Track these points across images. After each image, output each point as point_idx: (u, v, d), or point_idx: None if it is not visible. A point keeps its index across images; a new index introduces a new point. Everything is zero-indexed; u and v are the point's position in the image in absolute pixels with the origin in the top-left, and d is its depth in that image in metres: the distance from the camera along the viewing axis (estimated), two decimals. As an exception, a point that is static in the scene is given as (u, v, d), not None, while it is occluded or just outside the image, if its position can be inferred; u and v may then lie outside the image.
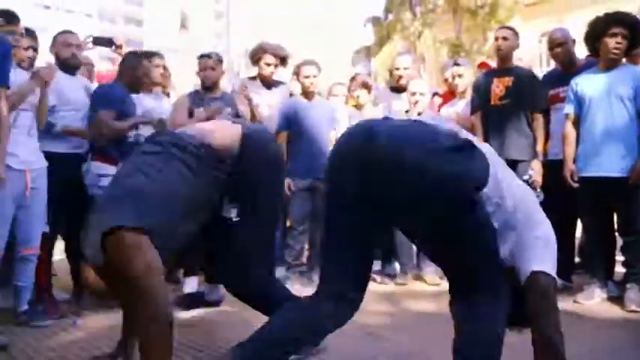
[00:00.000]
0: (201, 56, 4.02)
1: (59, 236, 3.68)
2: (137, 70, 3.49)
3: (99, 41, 3.74)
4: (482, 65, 4.72)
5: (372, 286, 4.09)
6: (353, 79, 4.61)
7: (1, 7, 3.06)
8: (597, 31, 3.37)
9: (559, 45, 3.84)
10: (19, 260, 3.00)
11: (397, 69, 4.60)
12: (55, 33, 3.54)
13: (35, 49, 3.36)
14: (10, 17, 2.98)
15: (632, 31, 3.31)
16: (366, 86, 4.52)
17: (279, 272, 4.23)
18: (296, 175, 4.11)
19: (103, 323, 3.09)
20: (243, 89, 4.14)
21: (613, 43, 3.31)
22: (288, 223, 4.40)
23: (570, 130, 3.53)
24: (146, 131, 3.45)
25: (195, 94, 3.96)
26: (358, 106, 4.48)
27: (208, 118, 3.45)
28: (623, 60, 3.44)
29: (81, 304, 3.49)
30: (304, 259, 4.39)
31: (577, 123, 3.50)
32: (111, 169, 3.26)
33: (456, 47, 17.54)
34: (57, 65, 3.37)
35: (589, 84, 3.42)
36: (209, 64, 3.93)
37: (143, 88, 3.65)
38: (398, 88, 4.65)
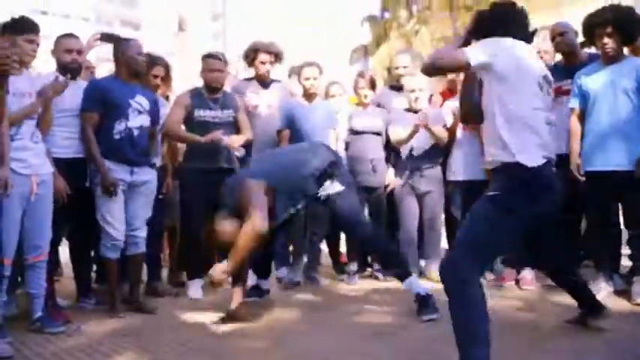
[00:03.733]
0: (210, 56, 3.94)
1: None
2: (129, 51, 3.43)
3: (106, 37, 3.68)
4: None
5: (375, 284, 4.13)
6: (361, 75, 4.54)
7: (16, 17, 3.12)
8: (589, 32, 3.37)
9: (560, 35, 3.80)
10: (29, 268, 2.98)
11: (397, 68, 4.57)
12: (55, 37, 3.51)
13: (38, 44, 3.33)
14: (33, 26, 3.05)
15: (622, 26, 3.27)
16: (373, 85, 4.46)
17: (282, 272, 4.21)
18: None
19: (107, 328, 3.06)
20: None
21: (600, 44, 3.31)
22: None
23: (576, 125, 3.51)
24: (136, 123, 3.40)
25: (197, 94, 3.92)
26: (363, 105, 4.42)
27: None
28: (626, 52, 3.41)
29: (84, 309, 3.47)
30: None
31: (582, 117, 3.48)
32: (106, 164, 3.28)
33: (453, 44, 17.46)
34: (58, 70, 3.34)
35: (593, 78, 3.39)
36: (218, 66, 3.88)
37: (142, 69, 3.53)
38: (398, 87, 4.62)
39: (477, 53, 2.26)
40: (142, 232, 3.49)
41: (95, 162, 3.30)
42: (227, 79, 4.17)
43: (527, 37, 2.45)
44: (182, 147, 4.10)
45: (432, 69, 2.35)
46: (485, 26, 2.41)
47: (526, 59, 2.31)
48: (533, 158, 2.24)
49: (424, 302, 3.15)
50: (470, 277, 2.16)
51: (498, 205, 2.22)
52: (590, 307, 2.78)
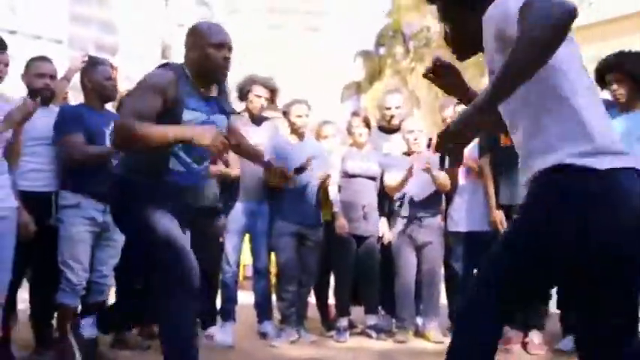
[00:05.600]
0: None
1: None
2: (95, 76, 3.38)
3: (94, 60, 3.62)
4: None
5: (368, 343, 4.05)
6: (355, 114, 4.56)
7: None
8: (600, 77, 3.43)
9: None
10: None
11: (388, 108, 4.60)
12: (27, 59, 3.47)
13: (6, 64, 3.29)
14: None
15: (631, 72, 3.32)
16: (368, 124, 4.48)
17: (266, 327, 4.10)
18: (283, 219, 4.07)
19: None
20: None
21: (611, 91, 3.38)
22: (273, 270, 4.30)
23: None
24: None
25: None
26: (358, 145, 4.42)
27: None
28: None
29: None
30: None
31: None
32: (76, 199, 3.18)
33: (451, 84, 17.75)
34: (29, 96, 3.29)
35: (609, 126, 3.41)
36: None
37: (112, 94, 3.47)
38: (387, 129, 4.65)
39: None
40: (109, 280, 3.41)
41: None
42: None
43: None
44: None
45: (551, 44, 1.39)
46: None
47: None
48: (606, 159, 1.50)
49: None
50: (484, 321, 1.65)
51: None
52: None
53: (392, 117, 4.58)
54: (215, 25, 2.60)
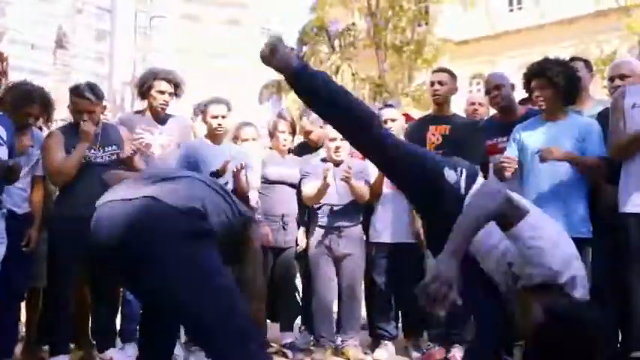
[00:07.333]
0: (78, 94, 3.81)
1: None
2: None
3: None
4: (404, 116, 4.86)
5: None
6: (281, 117, 4.57)
7: None
8: (527, 84, 3.63)
9: (496, 88, 4.03)
10: None
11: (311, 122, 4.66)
12: None
13: None
14: None
15: (553, 79, 3.53)
16: (293, 129, 4.51)
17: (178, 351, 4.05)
18: None
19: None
20: None
21: (534, 98, 3.58)
22: None
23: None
24: None
25: (70, 129, 3.85)
26: (281, 151, 4.44)
27: None
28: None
29: None
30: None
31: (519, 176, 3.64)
32: None
33: (378, 86, 18.20)
34: None
35: (532, 135, 3.59)
36: (87, 107, 3.78)
37: None
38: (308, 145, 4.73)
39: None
40: None
41: None
42: (107, 110, 4.09)
43: None
44: (54, 191, 3.94)
45: None
46: None
47: None
48: None
49: None
50: None
51: None
52: None
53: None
54: None
